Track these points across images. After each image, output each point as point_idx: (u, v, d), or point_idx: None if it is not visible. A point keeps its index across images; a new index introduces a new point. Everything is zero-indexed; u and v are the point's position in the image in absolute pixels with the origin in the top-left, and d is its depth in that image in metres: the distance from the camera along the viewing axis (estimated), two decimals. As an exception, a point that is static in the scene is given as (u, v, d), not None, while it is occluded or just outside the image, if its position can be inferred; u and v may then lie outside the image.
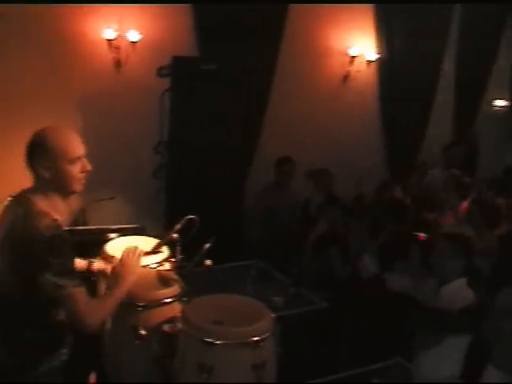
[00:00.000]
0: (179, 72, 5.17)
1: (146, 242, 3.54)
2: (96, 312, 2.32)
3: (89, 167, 2.40)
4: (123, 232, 4.64)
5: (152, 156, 5.41)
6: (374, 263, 4.54)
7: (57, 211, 2.34)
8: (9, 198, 3.05)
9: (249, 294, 3.60)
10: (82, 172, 2.38)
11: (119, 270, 2.65)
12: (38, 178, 2.34)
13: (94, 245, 3.33)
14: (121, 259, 2.72)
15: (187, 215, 3.34)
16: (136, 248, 2.78)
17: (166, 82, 5.27)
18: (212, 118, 5.32)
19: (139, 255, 2.76)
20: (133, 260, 2.69)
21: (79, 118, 5.16)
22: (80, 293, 2.25)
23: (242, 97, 5.47)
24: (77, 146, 2.36)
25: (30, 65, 5.06)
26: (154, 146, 5.39)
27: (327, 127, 6.43)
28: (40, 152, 2.29)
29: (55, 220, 2.27)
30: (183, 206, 3.50)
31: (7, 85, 5.00)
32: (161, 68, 5.13)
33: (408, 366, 2.44)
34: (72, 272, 2.25)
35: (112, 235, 4.77)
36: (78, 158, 2.35)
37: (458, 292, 3.46)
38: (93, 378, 3.66)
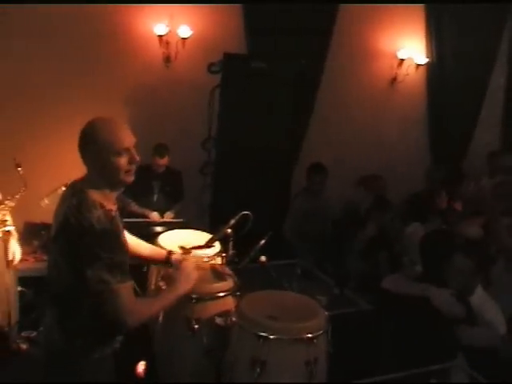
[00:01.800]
0: (229, 69, 5.18)
1: (197, 236, 3.59)
2: (138, 311, 2.30)
3: (137, 158, 2.36)
4: (168, 226, 4.72)
5: (200, 152, 5.44)
6: None
7: (109, 202, 2.35)
8: (63, 188, 3.11)
9: (294, 291, 3.61)
10: (130, 163, 2.34)
11: (177, 276, 2.67)
12: (88, 169, 2.35)
13: (140, 237, 3.34)
14: (181, 266, 2.74)
15: (231, 212, 3.38)
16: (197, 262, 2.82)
17: (215, 79, 5.28)
18: (260, 116, 5.32)
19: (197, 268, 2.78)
20: (191, 271, 2.71)
21: (128, 112, 5.23)
22: (124, 289, 2.23)
23: (291, 96, 5.45)
24: (125, 137, 2.32)
25: (81, 59, 5.16)
26: (202, 142, 5.40)
27: (372, 129, 6.41)
28: (89, 143, 2.28)
29: (108, 211, 2.28)
30: (228, 203, 3.53)
31: (58, 78, 5.10)
32: (211, 64, 5.14)
33: (467, 368, 2.41)
34: (119, 267, 2.23)
35: (158, 228, 4.87)
36: (126, 150, 2.31)
37: None
38: (141, 366, 3.71)
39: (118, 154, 2.28)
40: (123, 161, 2.30)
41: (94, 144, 2.26)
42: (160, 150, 5.10)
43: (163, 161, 5.16)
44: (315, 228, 5.54)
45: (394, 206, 5.56)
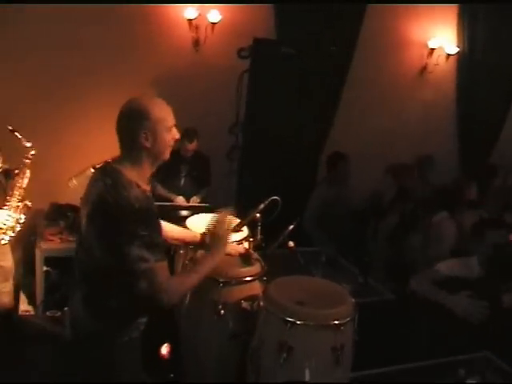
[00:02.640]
0: (259, 54, 5.14)
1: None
2: (176, 289, 2.31)
3: (178, 136, 2.41)
4: (194, 210, 4.72)
5: (227, 137, 5.43)
6: None
7: (144, 182, 2.36)
8: (91, 169, 3.11)
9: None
10: (173, 140, 2.39)
11: (211, 241, 2.68)
12: (130, 148, 2.33)
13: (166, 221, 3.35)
14: (213, 231, 2.71)
15: (257, 198, 3.37)
16: (228, 220, 2.75)
17: (243, 64, 5.25)
18: (288, 102, 5.29)
19: (228, 229, 2.75)
20: (225, 232, 2.68)
21: (155, 95, 5.21)
22: (162, 267, 2.24)
23: (319, 83, 5.41)
24: (171, 114, 2.38)
25: (110, 43, 5.16)
26: (229, 126, 5.39)
27: (400, 119, 6.33)
28: (143, 120, 2.28)
29: (144, 191, 2.30)
30: (254, 189, 3.52)
31: (88, 63, 5.11)
32: (241, 49, 5.11)
33: (496, 360, 2.38)
34: (157, 245, 2.24)
35: (183, 212, 4.88)
36: (172, 127, 2.37)
37: None
38: (165, 348, 3.74)
39: (169, 129, 2.34)
40: (171, 137, 2.37)
41: (149, 120, 2.27)
42: (189, 134, 5.07)
43: (192, 145, 5.15)
44: (337, 217, 5.50)
45: (417, 196, 5.53)
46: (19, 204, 3.86)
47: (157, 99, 2.39)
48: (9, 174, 3.88)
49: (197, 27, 5.49)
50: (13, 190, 3.83)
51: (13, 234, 3.87)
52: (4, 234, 3.82)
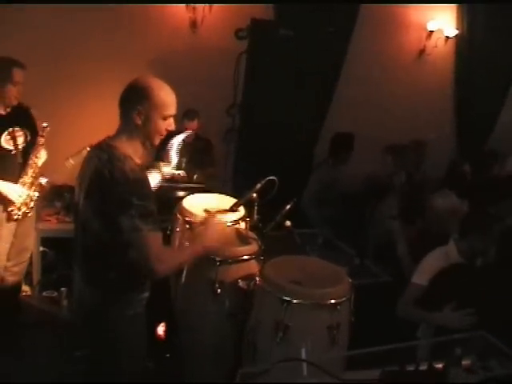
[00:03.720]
0: (257, 35, 5.11)
1: (222, 200, 3.58)
2: (167, 260, 2.34)
3: (173, 127, 2.44)
4: (190, 191, 4.69)
5: (224, 118, 5.41)
6: None
7: (138, 156, 2.39)
8: (87, 148, 3.12)
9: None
10: (167, 131, 2.43)
11: (201, 231, 2.72)
12: (126, 122, 2.38)
13: (163, 202, 3.34)
14: (205, 222, 2.81)
15: (253, 180, 3.37)
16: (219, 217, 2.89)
17: (241, 45, 5.22)
18: (286, 84, 5.26)
19: (222, 224, 2.83)
20: (215, 225, 2.75)
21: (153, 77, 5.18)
22: (155, 237, 2.27)
23: (317, 64, 5.38)
24: (174, 105, 2.40)
25: (106, 23, 5.11)
26: (227, 108, 5.37)
27: (397, 101, 6.30)
28: (141, 98, 2.32)
29: (138, 164, 2.34)
30: (251, 171, 3.52)
31: (84, 41, 5.07)
32: (238, 30, 5.08)
33: (492, 339, 2.39)
34: (151, 215, 2.26)
35: (180, 193, 4.85)
36: (170, 117, 2.40)
37: None
38: (161, 328, 3.75)
39: (165, 118, 2.37)
40: (164, 126, 2.39)
41: (147, 100, 2.31)
42: (189, 113, 5.02)
43: (192, 124, 5.09)
44: (335, 199, 5.49)
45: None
46: (32, 181, 3.88)
47: (165, 85, 2.41)
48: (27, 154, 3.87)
49: (194, 8, 5.43)
50: (26, 168, 3.83)
51: (27, 211, 3.91)
52: (18, 209, 3.85)
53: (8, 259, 4.01)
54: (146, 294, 2.55)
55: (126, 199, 2.20)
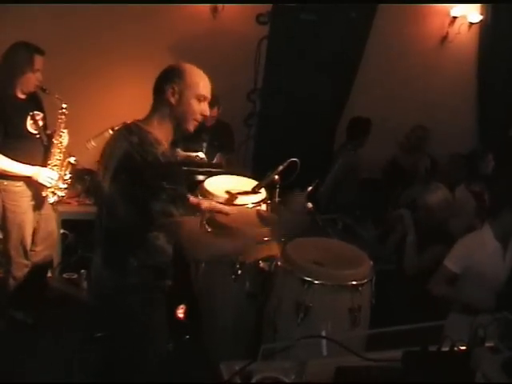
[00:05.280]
0: (278, 20, 5.09)
1: (243, 182, 3.59)
2: (203, 244, 2.34)
3: (207, 112, 2.44)
4: (209, 175, 4.69)
5: (245, 103, 5.39)
6: None
7: (168, 142, 2.38)
8: (110, 131, 3.11)
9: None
10: (201, 114, 2.41)
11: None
12: (160, 103, 2.37)
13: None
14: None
15: (274, 164, 3.36)
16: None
17: (262, 30, 5.21)
18: (307, 68, 5.24)
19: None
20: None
21: (173, 62, 5.16)
22: (187, 221, 2.25)
23: (338, 49, 5.36)
24: (207, 88, 2.41)
25: (126, 9, 5.09)
26: (248, 93, 5.35)
27: (418, 88, 6.21)
28: (175, 77, 2.33)
29: (170, 150, 2.35)
30: (271, 155, 3.51)
31: (107, 25, 5.07)
32: (260, 15, 5.07)
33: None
34: (183, 199, 2.27)
35: (200, 177, 4.85)
36: (204, 99, 2.40)
37: None
38: (181, 310, 3.77)
39: (198, 98, 2.36)
40: (198, 108, 2.38)
41: (180, 79, 2.33)
42: (210, 100, 5.00)
43: (212, 112, 5.06)
44: (353, 185, 5.46)
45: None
46: (61, 162, 3.85)
47: (199, 70, 2.42)
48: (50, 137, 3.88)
49: (214, -9, 5.41)
50: (52, 149, 3.82)
51: (62, 194, 3.90)
52: (53, 193, 3.85)
53: (36, 244, 4.02)
54: (167, 282, 2.53)
55: (158, 184, 2.18)
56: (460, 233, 4.53)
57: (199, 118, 2.41)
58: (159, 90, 2.36)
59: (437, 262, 3.59)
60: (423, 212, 3.95)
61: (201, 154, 4.96)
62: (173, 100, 2.33)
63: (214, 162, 4.96)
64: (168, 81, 2.33)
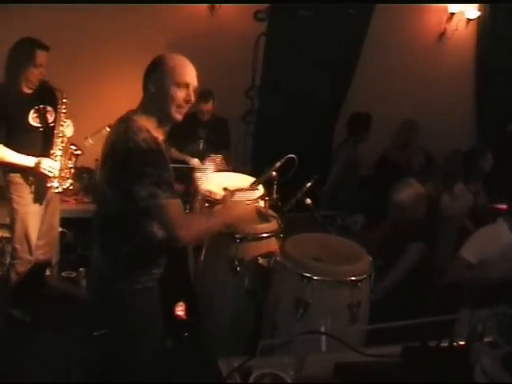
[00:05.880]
0: (276, 16, 5.09)
1: (241, 179, 3.58)
2: (188, 226, 2.32)
3: (192, 98, 2.41)
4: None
5: (243, 100, 5.39)
6: None
7: (156, 131, 2.38)
8: (107, 128, 3.13)
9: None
10: (185, 101, 2.38)
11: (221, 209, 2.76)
12: (145, 95, 2.40)
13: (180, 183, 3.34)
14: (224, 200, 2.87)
15: (272, 161, 3.35)
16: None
17: (260, 27, 5.19)
18: (304, 65, 5.23)
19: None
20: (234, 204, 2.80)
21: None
22: (173, 204, 2.26)
23: (336, 46, 5.35)
24: (188, 74, 2.39)
25: (125, 6, 5.07)
26: (246, 90, 5.35)
27: (416, 85, 6.20)
28: (155, 69, 2.36)
29: (154, 137, 2.32)
30: (270, 152, 3.50)
31: (102, 22, 5.05)
32: (258, 11, 5.06)
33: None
34: (167, 183, 2.25)
35: (198, 174, 4.85)
36: (186, 85, 2.37)
37: None
38: (180, 307, 3.76)
39: (177, 85, 2.34)
40: (179, 94, 2.35)
41: (158, 71, 2.35)
42: (204, 94, 5.00)
43: (207, 106, 5.07)
44: (354, 181, 5.46)
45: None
46: (63, 152, 3.87)
47: (180, 56, 2.42)
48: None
49: (214, -12, 5.40)
50: (54, 139, 3.84)
51: (68, 184, 3.91)
52: (60, 184, 3.86)
53: (38, 238, 4.03)
54: (159, 270, 2.54)
55: (140, 168, 2.20)
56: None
57: (183, 104, 2.38)
58: (144, 84, 2.40)
59: (420, 261, 3.59)
60: (394, 210, 3.83)
61: (196, 161, 4.95)
62: (152, 88, 2.35)
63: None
64: (150, 71, 2.38)
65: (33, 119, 3.72)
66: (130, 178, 2.22)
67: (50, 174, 3.77)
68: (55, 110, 3.87)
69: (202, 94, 4.93)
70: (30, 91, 3.71)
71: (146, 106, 2.40)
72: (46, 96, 3.84)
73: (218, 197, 3.18)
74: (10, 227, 4.00)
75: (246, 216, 2.83)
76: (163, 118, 2.41)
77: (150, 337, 2.51)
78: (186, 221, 2.35)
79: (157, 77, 2.34)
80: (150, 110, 2.38)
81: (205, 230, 2.58)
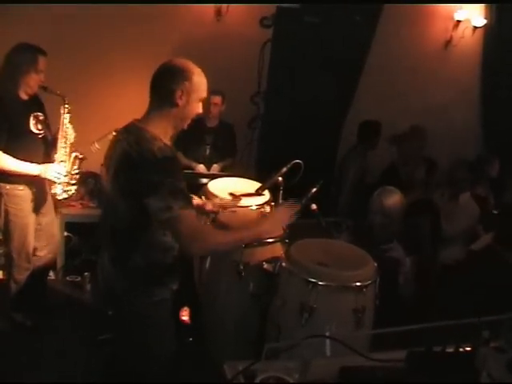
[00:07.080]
0: (282, 23, 5.10)
1: (247, 184, 3.59)
2: (203, 239, 2.27)
3: (201, 110, 2.45)
4: (214, 178, 4.70)
5: (248, 106, 5.40)
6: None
7: (167, 139, 2.38)
8: (113, 133, 3.12)
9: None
10: (198, 114, 2.44)
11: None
12: (163, 102, 2.35)
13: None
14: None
15: (278, 167, 3.35)
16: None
17: (266, 33, 5.21)
18: (310, 71, 5.25)
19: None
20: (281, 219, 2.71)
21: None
22: (187, 215, 2.20)
23: (342, 52, 5.36)
24: (206, 89, 2.42)
25: (132, 9, 5.10)
26: (251, 96, 5.36)
27: (422, 93, 6.21)
28: (183, 78, 2.32)
29: (167, 144, 2.32)
30: (275, 158, 3.51)
31: (110, 27, 5.08)
32: (264, 18, 5.08)
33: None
34: (182, 193, 2.20)
35: (204, 180, 4.87)
36: (202, 100, 2.41)
37: None
38: (185, 313, 3.76)
39: (201, 100, 2.40)
40: (199, 108, 2.42)
41: (187, 80, 2.32)
42: (214, 90, 4.90)
43: (216, 99, 5.02)
44: (363, 188, 5.44)
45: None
46: (66, 157, 3.81)
47: (201, 71, 2.42)
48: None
49: (219, -4, 5.42)
50: (56, 145, 3.81)
51: (72, 191, 3.86)
52: (65, 191, 3.81)
53: (39, 249, 4.00)
54: (175, 286, 2.52)
55: (155, 178, 2.17)
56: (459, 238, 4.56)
57: (194, 117, 2.45)
58: (165, 91, 2.33)
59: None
60: (379, 216, 3.61)
61: (201, 167, 4.95)
62: (180, 102, 2.33)
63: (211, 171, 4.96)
64: (177, 82, 2.32)
65: (33, 126, 3.66)
66: (144, 189, 2.19)
67: (58, 180, 3.72)
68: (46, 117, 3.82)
69: (213, 90, 4.87)
70: (27, 97, 3.64)
71: (158, 114, 2.37)
72: (42, 104, 3.81)
73: (223, 202, 3.18)
74: (3, 235, 3.91)
75: (275, 229, 2.68)
76: (175, 128, 2.42)
77: (164, 344, 2.51)
78: (202, 233, 2.29)
79: (185, 88, 2.32)
80: (163, 118, 2.36)
81: (225, 243, 2.44)
